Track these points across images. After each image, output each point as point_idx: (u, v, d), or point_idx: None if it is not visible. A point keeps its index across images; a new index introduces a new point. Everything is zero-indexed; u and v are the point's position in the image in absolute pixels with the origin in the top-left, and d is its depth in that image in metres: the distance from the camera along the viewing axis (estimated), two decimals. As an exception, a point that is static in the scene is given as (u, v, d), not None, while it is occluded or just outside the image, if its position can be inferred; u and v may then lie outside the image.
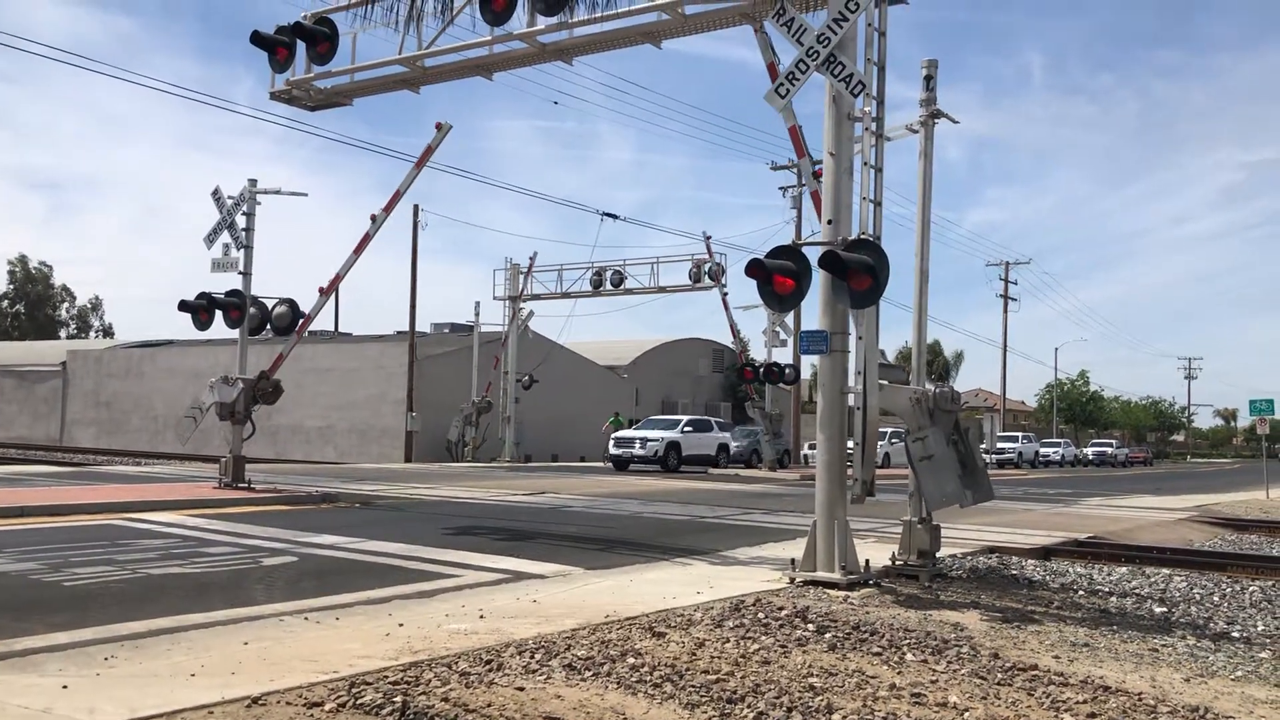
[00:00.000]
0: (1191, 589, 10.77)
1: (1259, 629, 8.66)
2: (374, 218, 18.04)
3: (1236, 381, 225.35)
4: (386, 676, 5.69)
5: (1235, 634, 8.38)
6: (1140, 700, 5.86)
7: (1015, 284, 66.68)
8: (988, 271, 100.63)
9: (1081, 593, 10.31)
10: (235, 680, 5.56)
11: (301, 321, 18.68)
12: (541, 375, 39.19)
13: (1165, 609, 9.51)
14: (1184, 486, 36.82)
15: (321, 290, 18.39)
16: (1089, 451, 70.20)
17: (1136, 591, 10.52)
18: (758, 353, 36.20)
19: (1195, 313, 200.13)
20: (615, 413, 41.42)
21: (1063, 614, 8.96)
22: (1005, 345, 67.38)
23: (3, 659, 6.07)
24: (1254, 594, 10.52)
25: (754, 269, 10.02)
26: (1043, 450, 61.73)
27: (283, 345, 19.11)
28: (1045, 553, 13.27)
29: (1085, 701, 5.79)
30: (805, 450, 40.84)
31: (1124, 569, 12.19)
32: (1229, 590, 10.72)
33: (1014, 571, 11.62)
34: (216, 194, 18.68)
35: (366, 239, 17.94)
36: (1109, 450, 70.78)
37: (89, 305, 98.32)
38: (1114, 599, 9.99)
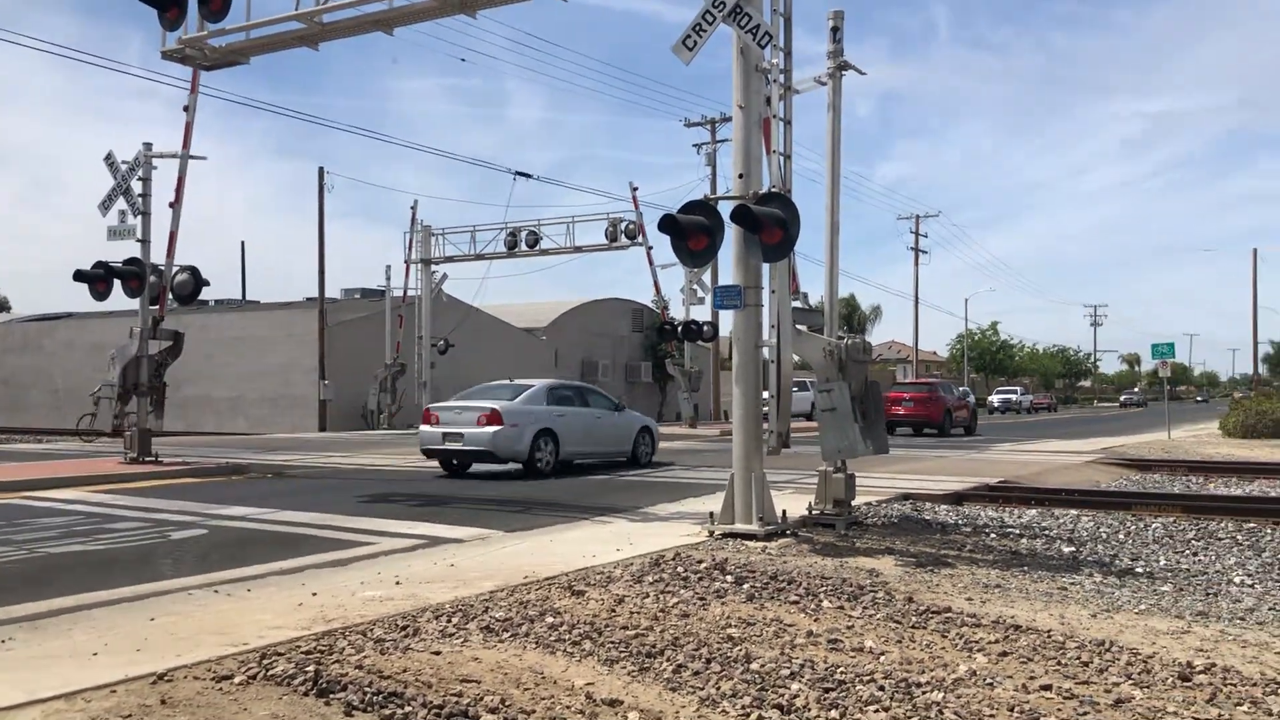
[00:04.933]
0: (1098, 528, 11.08)
1: (1161, 564, 8.95)
2: (185, 108, 17.42)
3: (1140, 328, 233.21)
4: (299, 646, 5.56)
5: (1139, 569, 8.64)
6: (1050, 637, 6.00)
7: (926, 236, 67.63)
8: (899, 225, 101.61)
9: (993, 535, 10.54)
10: (140, 657, 5.38)
11: (169, 238, 17.93)
12: (458, 339, 38.74)
13: (1074, 548, 9.77)
14: (1091, 430, 37.95)
15: (171, 204, 17.80)
16: (994, 399, 71.47)
17: (1046, 532, 10.79)
18: (676, 311, 36.17)
19: (1099, 262, 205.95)
20: None
21: (975, 557, 9.14)
22: (917, 297, 68.41)
23: (-110, 646, 5.79)
24: (1156, 530, 10.87)
25: (667, 225, 9.96)
26: None
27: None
28: (958, 498, 13.55)
29: (997, 641, 5.91)
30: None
31: (1034, 511, 12.50)
32: (1133, 528, 11.05)
33: (928, 517, 11.84)
34: (110, 159, 18.00)
35: (188, 128, 17.41)
36: (1013, 397, 72.26)
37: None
38: (1024, 540, 10.24)
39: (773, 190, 10.01)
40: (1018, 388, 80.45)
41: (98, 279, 17.87)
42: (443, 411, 17.73)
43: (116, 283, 17.92)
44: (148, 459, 17.87)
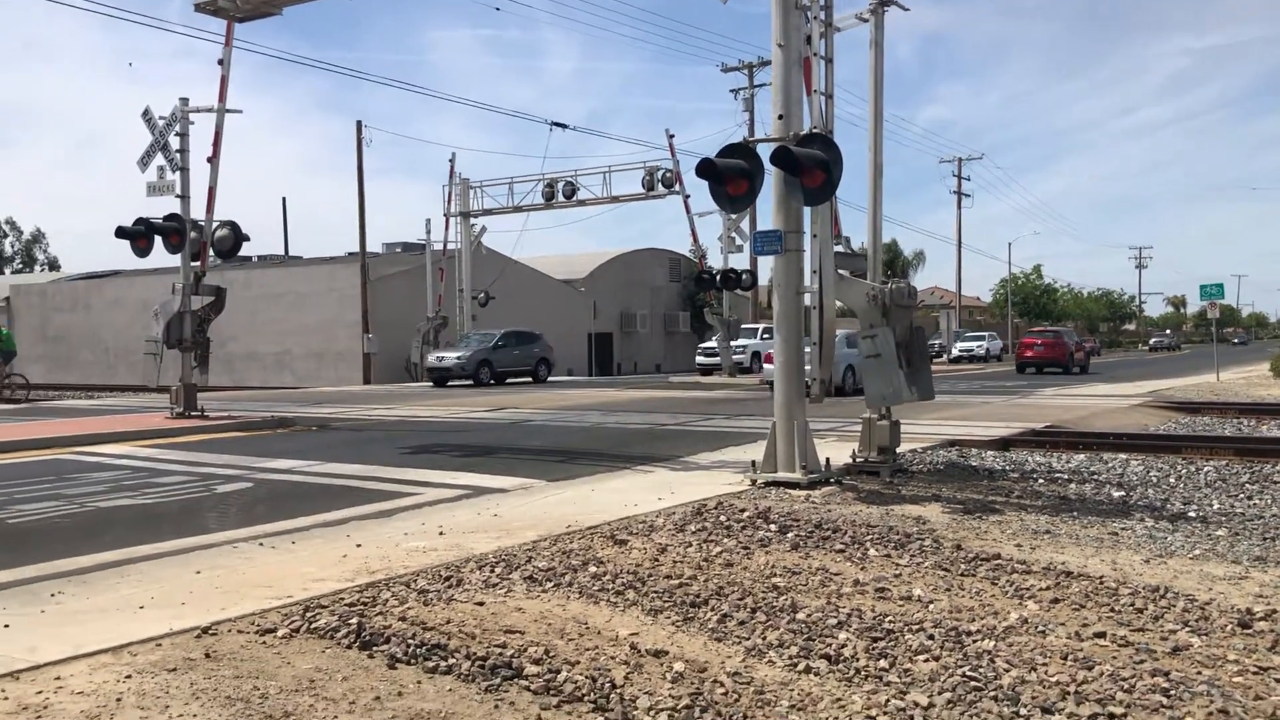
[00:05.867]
0: (1148, 472, 10.87)
1: (1214, 508, 8.75)
2: (220, 61, 17.38)
3: (1186, 269, 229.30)
4: (342, 599, 5.56)
5: (1192, 514, 8.46)
6: (1102, 583, 5.87)
7: (968, 180, 66.54)
8: (941, 169, 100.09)
9: (1041, 481, 10.37)
10: (186, 610, 5.41)
11: (208, 193, 17.98)
12: (497, 291, 38.74)
13: (1123, 493, 9.58)
14: (1136, 373, 37.37)
15: (209, 159, 17.82)
16: None
17: (1095, 477, 10.60)
18: (714, 259, 35.90)
19: (1144, 203, 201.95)
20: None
21: (1023, 502, 9.00)
22: (960, 242, 67.65)
23: (-57, 601, 5.87)
24: (1208, 474, 10.65)
25: (705, 169, 9.77)
26: (961, 345, 52.53)
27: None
28: (1004, 443, 13.35)
29: (1048, 588, 5.79)
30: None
31: (1082, 456, 12.30)
32: (1184, 471, 10.84)
33: (974, 463, 11.67)
34: (147, 115, 18.01)
35: (224, 82, 17.37)
36: None
37: (32, 238, 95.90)
38: (1073, 485, 10.06)
39: (814, 131, 9.78)
40: (1058, 331, 79.14)
41: (139, 235, 17.97)
42: None
43: (158, 239, 18.01)
44: (194, 413, 18.06)
